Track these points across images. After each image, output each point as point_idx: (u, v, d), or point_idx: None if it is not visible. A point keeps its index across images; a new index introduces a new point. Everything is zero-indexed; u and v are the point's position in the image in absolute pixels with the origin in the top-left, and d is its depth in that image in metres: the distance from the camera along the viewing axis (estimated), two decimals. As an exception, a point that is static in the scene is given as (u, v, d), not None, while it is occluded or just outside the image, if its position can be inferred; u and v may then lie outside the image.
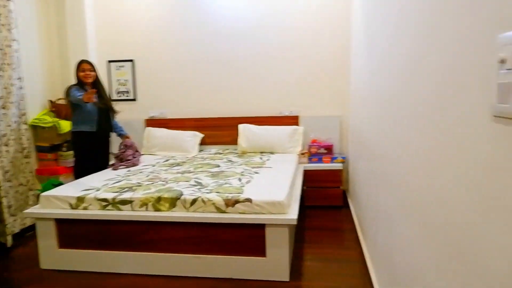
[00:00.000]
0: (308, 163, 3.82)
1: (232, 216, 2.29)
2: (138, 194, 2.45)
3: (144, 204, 2.41)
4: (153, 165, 3.42)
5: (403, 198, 1.48)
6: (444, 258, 0.99)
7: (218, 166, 3.30)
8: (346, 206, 3.80)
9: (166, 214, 2.36)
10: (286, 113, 4.13)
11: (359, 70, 3.09)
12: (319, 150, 3.88)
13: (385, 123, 1.90)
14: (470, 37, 0.84)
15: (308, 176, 3.75)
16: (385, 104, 1.91)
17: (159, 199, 2.40)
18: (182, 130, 4.23)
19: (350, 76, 3.84)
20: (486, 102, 0.75)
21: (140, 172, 3.11)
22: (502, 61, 0.67)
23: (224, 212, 2.32)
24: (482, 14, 0.78)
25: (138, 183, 2.72)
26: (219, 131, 4.25)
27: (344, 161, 3.85)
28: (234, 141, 4.16)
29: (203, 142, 4.24)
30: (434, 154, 1.08)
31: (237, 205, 2.30)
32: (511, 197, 0.65)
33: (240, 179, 2.76)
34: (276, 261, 2.30)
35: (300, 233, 3.12)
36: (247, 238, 2.33)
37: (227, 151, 4.09)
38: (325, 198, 3.77)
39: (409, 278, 1.37)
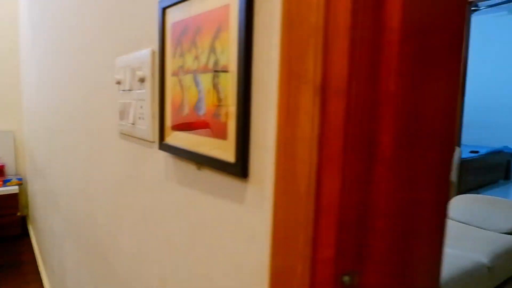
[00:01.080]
0: (-30, 190, 3.06)
1: None
2: None
3: None
4: None
5: (67, 217, 1.41)
6: (99, 274, 1.00)
7: None
8: (27, 234, 3.31)
9: None
10: None
11: (29, 80, 2.76)
12: (-15, 173, 3.18)
13: (48, 139, 1.77)
14: (106, 60, 0.88)
15: (-29, 207, 3.00)
16: (47, 119, 1.77)
17: None
18: None
19: (22, 86, 3.38)
20: (115, 121, 0.81)
21: None
22: (119, 83, 0.73)
23: None
24: (110, 39, 0.83)
25: None
26: None
27: (21, 182, 3.33)
28: None
29: None
30: (84, 170, 1.08)
31: None
32: (135, 201, 0.73)
33: None
34: None
35: (-41, 282, 2.44)
36: None
37: None
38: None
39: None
